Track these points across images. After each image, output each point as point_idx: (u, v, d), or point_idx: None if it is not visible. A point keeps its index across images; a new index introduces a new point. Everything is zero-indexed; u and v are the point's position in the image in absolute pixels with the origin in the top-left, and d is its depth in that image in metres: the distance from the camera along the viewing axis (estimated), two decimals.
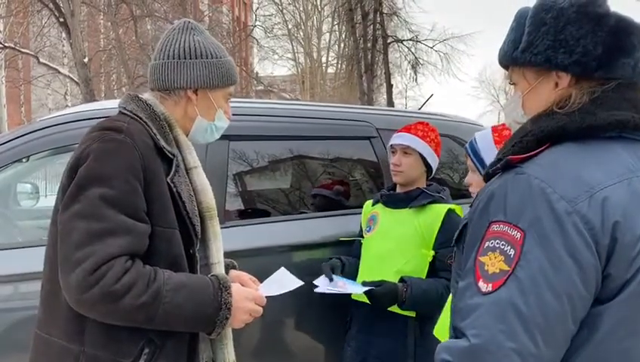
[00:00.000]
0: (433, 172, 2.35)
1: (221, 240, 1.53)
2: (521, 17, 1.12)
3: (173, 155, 1.43)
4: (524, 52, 1.09)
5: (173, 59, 1.48)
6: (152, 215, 1.34)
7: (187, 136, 1.53)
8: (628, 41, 1.04)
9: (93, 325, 1.30)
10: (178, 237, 1.38)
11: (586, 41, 1.04)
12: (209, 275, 1.43)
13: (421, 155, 2.28)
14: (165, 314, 1.28)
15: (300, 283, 1.71)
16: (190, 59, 1.48)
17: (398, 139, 2.31)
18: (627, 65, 1.05)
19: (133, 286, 1.25)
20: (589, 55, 1.04)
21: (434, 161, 2.32)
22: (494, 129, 1.96)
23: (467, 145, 2.00)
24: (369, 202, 2.46)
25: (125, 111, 1.46)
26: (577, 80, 1.06)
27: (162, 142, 1.42)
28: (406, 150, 2.28)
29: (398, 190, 2.35)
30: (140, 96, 1.50)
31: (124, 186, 1.30)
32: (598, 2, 1.06)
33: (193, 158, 1.50)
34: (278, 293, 1.59)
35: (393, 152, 2.33)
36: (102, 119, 1.47)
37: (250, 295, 1.46)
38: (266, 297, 1.51)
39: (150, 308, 1.26)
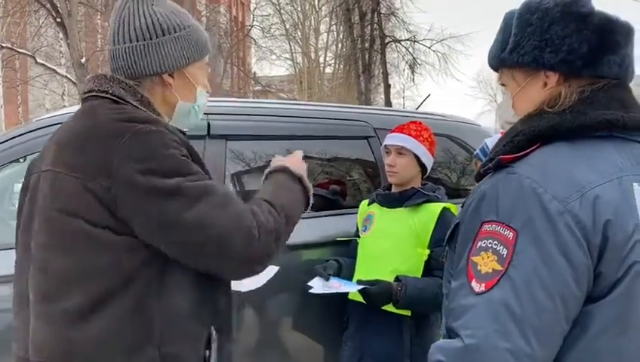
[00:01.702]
0: (428, 171, 2.35)
1: None
2: (508, 19, 1.13)
3: None
4: (511, 53, 1.10)
5: (137, 41, 1.27)
6: None
7: None
8: (612, 38, 1.06)
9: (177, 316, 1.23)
10: None
11: (571, 40, 1.05)
12: (268, 173, 1.43)
13: (415, 155, 2.28)
14: (292, 215, 1.32)
15: (276, 268, 1.68)
16: (157, 37, 1.28)
17: (392, 139, 2.31)
18: (613, 63, 1.06)
19: (271, 215, 1.25)
20: (575, 53, 1.05)
21: (428, 161, 2.32)
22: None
23: (478, 150, 2.01)
24: (365, 202, 2.46)
25: (112, 97, 1.26)
26: (566, 79, 1.08)
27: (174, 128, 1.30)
28: (400, 150, 2.28)
29: (394, 189, 2.35)
30: (120, 78, 1.29)
31: (193, 167, 1.21)
32: (582, 2, 1.07)
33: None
34: (261, 284, 1.57)
35: (387, 153, 2.33)
36: (89, 113, 1.27)
37: (292, 158, 1.46)
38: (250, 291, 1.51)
39: (287, 220, 1.29)
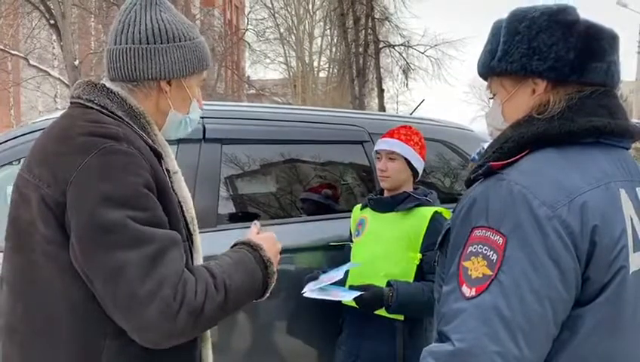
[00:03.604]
0: (419, 175, 2.37)
1: (201, 255, 1.38)
2: (496, 28, 1.16)
3: (163, 160, 1.27)
4: (500, 61, 1.12)
5: (140, 44, 1.25)
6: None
7: None
8: (598, 45, 1.08)
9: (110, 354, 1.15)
10: (188, 252, 1.26)
11: (558, 47, 1.07)
12: (233, 246, 1.33)
13: (406, 159, 2.30)
14: (235, 299, 1.20)
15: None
16: (162, 43, 1.26)
17: (383, 144, 2.33)
18: (599, 69, 1.08)
19: (207, 291, 1.14)
20: (562, 60, 1.07)
21: (419, 164, 2.34)
22: None
23: (475, 155, 2.01)
24: (358, 206, 2.47)
25: (95, 107, 1.22)
26: (554, 86, 1.10)
27: (155, 146, 1.24)
28: (391, 155, 2.30)
29: (385, 194, 2.37)
30: (109, 86, 1.27)
31: (149, 203, 1.14)
32: (568, 10, 1.10)
33: (173, 162, 1.32)
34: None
35: (378, 158, 2.35)
36: (67, 118, 1.24)
37: (272, 239, 1.37)
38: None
39: (226, 302, 1.18)
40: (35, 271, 1.15)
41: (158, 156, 1.24)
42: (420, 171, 2.36)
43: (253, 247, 1.30)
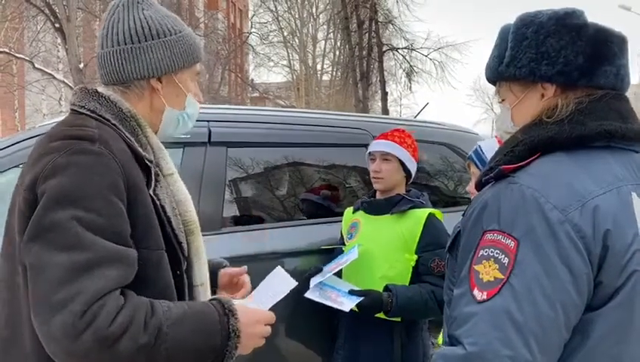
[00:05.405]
0: (412, 177, 2.38)
1: (205, 258, 1.33)
2: (503, 34, 1.15)
3: (151, 162, 1.22)
4: (508, 66, 1.12)
5: (125, 44, 1.24)
6: (138, 236, 1.13)
7: (156, 133, 1.31)
8: (608, 49, 1.08)
9: None
10: (166, 260, 1.19)
11: (567, 52, 1.07)
12: (210, 300, 1.23)
13: (400, 161, 2.31)
14: (168, 353, 1.07)
15: (294, 283, 1.51)
16: (146, 41, 1.24)
17: (377, 146, 2.35)
18: (609, 73, 1.08)
19: (130, 325, 1.03)
20: (571, 65, 1.07)
21: (412, 166, 2.36)
22: (499, 140, 2.01)
23: (471, 153, 2.03)
24: (349, 209, 2.48)
25: (85, 112, 1.21)
26: (563, 90, 1.10)
27: (139, 149, 1.21)
28: (385, 156, 2.31)
29: (378, 196, 2.38)
30: (100, 91, 1.25)
31: (108, 208, 1.09)
32: (576, 14, 1.09)
33: (168, 164, 1.29)
34: (276, 301, 1.44)
35: (372, 159, 2.36)
36: (57, 124, 1.23)
37: (258, 316, 1.24)
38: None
39: (152, 349, 1.05)
40: (16, 279, 1.13)
41: (141, 159, 1.21)
42: (413, 173, 2.37)
43: (225, 310, 1.17)
